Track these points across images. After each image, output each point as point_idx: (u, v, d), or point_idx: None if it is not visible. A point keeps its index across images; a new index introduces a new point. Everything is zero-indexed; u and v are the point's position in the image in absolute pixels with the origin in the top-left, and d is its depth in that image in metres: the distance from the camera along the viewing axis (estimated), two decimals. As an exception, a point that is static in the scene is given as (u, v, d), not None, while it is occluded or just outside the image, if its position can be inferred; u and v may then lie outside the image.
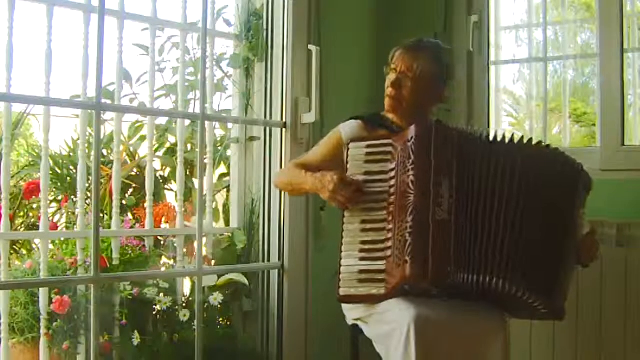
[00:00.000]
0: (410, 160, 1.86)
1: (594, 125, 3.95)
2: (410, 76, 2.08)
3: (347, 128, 2.17)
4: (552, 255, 1.88)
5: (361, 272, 1.89)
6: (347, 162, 1.99)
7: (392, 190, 1.90)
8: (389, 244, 1.86)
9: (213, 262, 2.73)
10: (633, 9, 3.11)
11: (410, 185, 1.84)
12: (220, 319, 2.73)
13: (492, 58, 3.18)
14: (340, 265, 1.93)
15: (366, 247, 1.90)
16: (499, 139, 1.93)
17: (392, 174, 1.90)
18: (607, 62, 2.75)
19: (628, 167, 2.68)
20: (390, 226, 1.87)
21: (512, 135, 1.95)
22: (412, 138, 1.88)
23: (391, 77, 2.12)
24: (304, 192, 2.18)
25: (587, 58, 3.51)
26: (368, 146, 1.98)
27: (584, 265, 2.03)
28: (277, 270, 2.73)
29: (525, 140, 1.95)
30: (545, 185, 1.90)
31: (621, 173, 2.69)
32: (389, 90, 2.12)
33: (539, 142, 1.99)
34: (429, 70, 2.09)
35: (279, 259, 2.73)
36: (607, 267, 2.52)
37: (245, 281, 2.68)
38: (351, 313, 2.12)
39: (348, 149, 2.00)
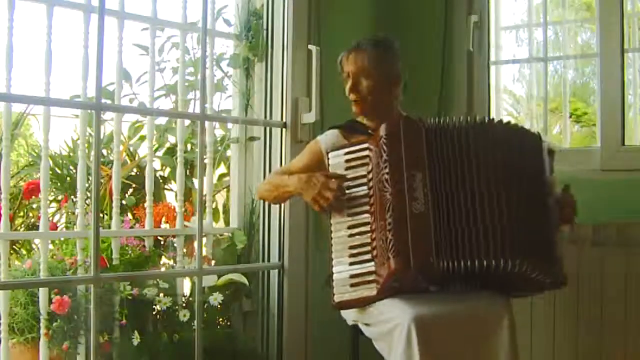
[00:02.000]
0: (384, 158, 1.92)
1: (594, 125, 3.95)
2: (362, 74, 2.15)
3: (326, 138, 2.23)
4: (538, 222, 1.91)
5: (352, 276, 1.92)
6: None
7: (371, 191, 1.94)
8: (375, 244, 1.90)
9: (213, 262, 2.73)
10: (633, 9, 3.12)
11: (386, 183, 1.89)
12: (220, 319, 2.73)
13: (492, 58, 3.18)
14: (332, 273, 1.96)
15: (354, 251, 1.94)
16: (464, 124, 1.97)
17: (371, 175, 1.95)
18: (607, 62, 2.76)
19: (628, 167, 2.68)
20: (374, 226, 1.91)
21: (476, 118, 2.01)
22: (382, 137, 1.94)
23: (347, 83, 2.19)
24: (287, 195, 2.20)
25: (587, 58, 3.52)
26: (346, 153, 2.04)
27: (566, 222, 2.03)
28: (277, 270, 2.73)
29: (486, 120, 2.03)
30: (512, 158, 1.93)
31: (621, 173, 2.69)
32: (350, 97, 2.19)
33: (501, 121, 2.04)
34: (375, 61, 2.15)
35: (279, 259, 2.73)
36: (608, 267, 2.52)
37: (245, 281, 2.68)
38: (350, 316, 2.13)
39: (328, 159, 2.07)
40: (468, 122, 1.96)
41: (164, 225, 2.76)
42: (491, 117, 2.02)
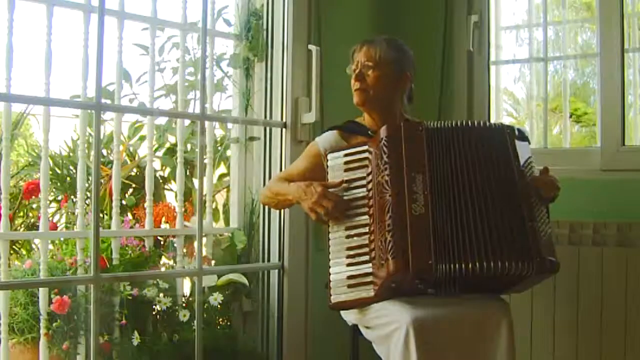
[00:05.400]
0: (384, 161, 1.91)
1: (594, 125, 3.95)
2: (370, 64, 2.14)
3: (324, 139, 2.21)
4: (521, 216, 1.90)
5: (349, 277, 1.91)
6: (327, 174, 2.04)
7: (370, 193, 1.94)
8: (373, 245, 1.89)
9: (213, 262, 2.73)
10: (633, 9, 3.11)
11: (386, 185, 1.89)
12: (220, 319, 2.73)
13: (492, 58, 3.18)
14: (329, 274, 1.95)
15: (352, 252, 1.93)
16: (459, 125, 1.98)
17: (370, 177, 1.95)
18: (607, 62, 2.75)
19: (628, 167, 2.68)
20: (372, 228, 1.90)
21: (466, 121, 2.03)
22: (383, 139, 1.94)
23: (354, 70, 2.18)
24: (287, 203, 2.20)
25: (587, 58, 3.52)
26: (345, 155, 2.03)
27: (551, 200, 2.04)
28: (277, 270, 2.73)
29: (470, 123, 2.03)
30: (489, 158, 1.95)
31: (621, 173, 2.69)
32: (354, 85, 2.17)
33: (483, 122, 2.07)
34: (386, 55, 2.14)
35: (279, 259, 2.73)
36: (607, 267, 2.52)
37: (245, 281, 2.68)
38: (349, 318, 2.13)
39: (327, 160, 2.06)
40: (460, 125, 1.98)
41: (164, 225, 2.76)
42: (478, 119, 2.02)
